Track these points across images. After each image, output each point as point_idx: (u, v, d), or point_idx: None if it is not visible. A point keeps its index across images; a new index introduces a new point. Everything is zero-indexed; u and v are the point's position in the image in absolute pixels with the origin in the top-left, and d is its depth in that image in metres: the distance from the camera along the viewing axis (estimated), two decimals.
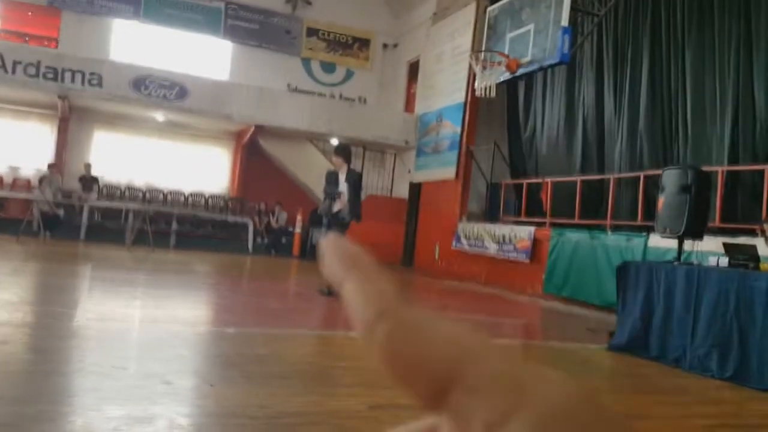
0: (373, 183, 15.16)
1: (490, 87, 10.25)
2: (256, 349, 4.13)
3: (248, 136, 14.73)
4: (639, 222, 8.73)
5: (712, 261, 5.00)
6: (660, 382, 4.46)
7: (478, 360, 0.20)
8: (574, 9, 9.21)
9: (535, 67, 9.63)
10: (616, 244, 8.41)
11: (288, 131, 14.41)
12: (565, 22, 8.98)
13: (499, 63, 10.16)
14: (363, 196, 7.88)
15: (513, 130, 13.01)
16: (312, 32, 16.68)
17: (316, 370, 3.92)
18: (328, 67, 16.89)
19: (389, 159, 16.22)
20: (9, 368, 3.21)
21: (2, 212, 13.02)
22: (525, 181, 11.90)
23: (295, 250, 13.88)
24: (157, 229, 13.04)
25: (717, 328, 4.48)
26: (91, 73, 12.98)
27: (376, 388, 3.27)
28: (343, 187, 7.15)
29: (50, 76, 12.78)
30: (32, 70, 12.65)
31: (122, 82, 13.15)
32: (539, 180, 11.41)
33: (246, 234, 14.13)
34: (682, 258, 5.34)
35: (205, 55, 15.87)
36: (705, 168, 6.07)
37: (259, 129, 14.25)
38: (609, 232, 8.93)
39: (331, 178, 7.31)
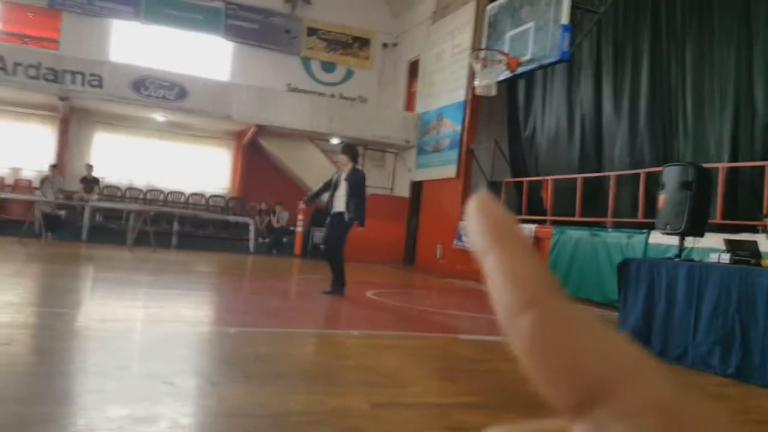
0: (374, 182, 15.16)
1: (490, 85, 10.25)
2: (257, 349, 4.14)
3: (249, 136, 14.73)
4: (640, 219, 8.72)
5: (713, 257, 5.00)
6: None
7: (635, 379, 0.18)
8: (574, 7, 9.21)
9: (535, 65, 9.64)
10: (617, 241, 8.41)
11: (288, 131, 14.41)
12: (565, 19, 8.99)
13: (499, 61, 10.16)
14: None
15: (513, 129, 13.01)
16: (312, 32, 16.67)
17: (318, 369, 3.93)
18: (328, 67, 16.89)
19: (390, 158, 16.23)
20: (12, 369, 3.22)
21: (4, 213, 13.03)
22: (525, 179, 11.90)
23: (297, 249, 13.89)
24: (159, 229, 13.06)
25: (719, 325, 4.48)
26: (92, 74, 12.98)
27: (379, 387, 3.27)
28: (343, 187, 7.11)
29: (51, 77, 12.78)
30: (33, 72, 12.66)
31: (122, 83, 13.16)
32: (540, 178, 11.41)
33: (247, 234, 14.14)
34: (683, 255, 5.33)
35: (205, 55, 15.88)
36: (706, 165, 6.06)
37: (260, 129, 14.25)
38: (610, 230, 8.93)
39: (333, 179, 7.25)
